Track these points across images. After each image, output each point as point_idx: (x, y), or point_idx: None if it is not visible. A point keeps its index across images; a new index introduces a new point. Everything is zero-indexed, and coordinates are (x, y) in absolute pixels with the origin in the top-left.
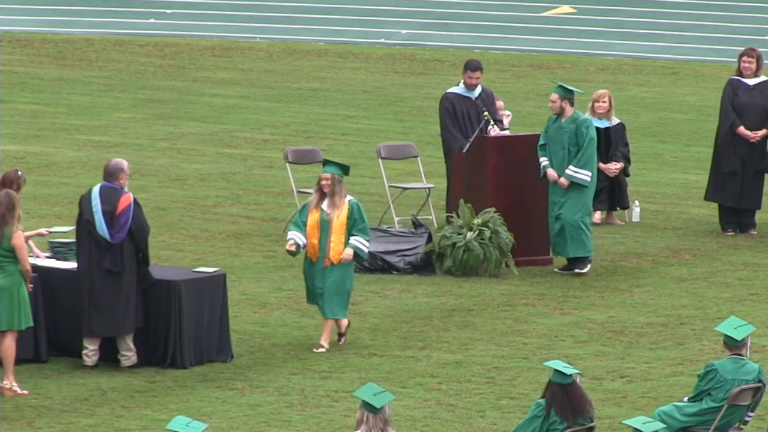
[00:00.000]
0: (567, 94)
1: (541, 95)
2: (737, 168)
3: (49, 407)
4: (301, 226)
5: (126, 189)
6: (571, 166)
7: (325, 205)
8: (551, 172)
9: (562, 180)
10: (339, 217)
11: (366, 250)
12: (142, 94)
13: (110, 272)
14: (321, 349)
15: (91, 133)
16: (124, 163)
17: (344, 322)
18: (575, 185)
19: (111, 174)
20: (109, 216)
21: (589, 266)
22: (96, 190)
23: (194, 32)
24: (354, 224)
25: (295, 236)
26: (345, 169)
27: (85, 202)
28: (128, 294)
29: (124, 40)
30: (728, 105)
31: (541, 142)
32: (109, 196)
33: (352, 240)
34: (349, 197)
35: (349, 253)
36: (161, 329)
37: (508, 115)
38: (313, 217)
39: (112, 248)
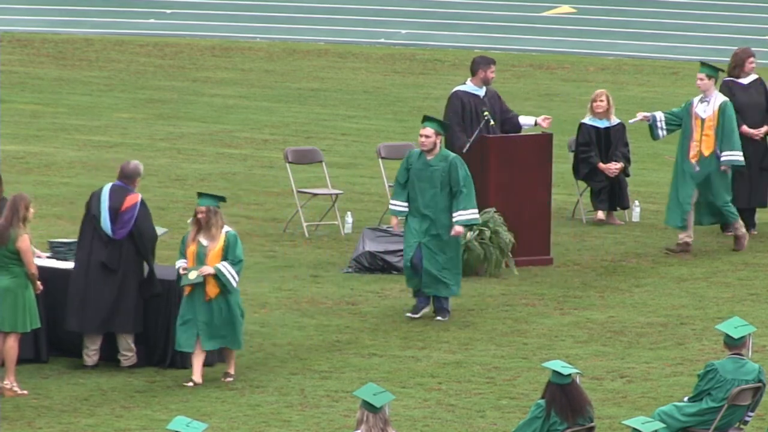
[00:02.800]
0: (442, 130)
1: (541, 95)
2: (743, 168)
3: (49, 407)
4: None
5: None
6: (460, 211)
7: (202, 236)
8: (395, 221)
9: (458, 228)
10: (215, 249)
11: (231, 279)
12: (142, 94)
13: (106, 267)
14: (190, 383)
15: (91, 133)
16: (141, 167)
17: (232, 360)
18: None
19: (128, 176)
20: (114, 212)
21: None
22: (107, 188)
23: (194, 32)
24: (227, 257)
25: (182, 263)
26: (220, 200)
27: (94, 198)
28: (123, 293)
29: (124, 40)
30: None
31: (400, 179)
32: (118, 194)
33: (220, 263)
34: (227, 228)
35: (206, 270)
36: (161, 329)
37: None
38: (191, 249)
39: (112, 244)
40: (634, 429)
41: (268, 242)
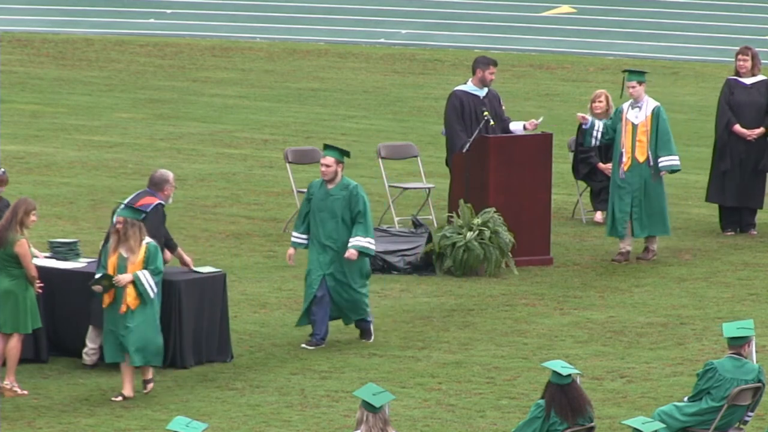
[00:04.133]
0: (342, 157)
1: (541, 95)
2: (731, 167)
3: (49, 407)
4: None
5: (170, 200)
6: (359, 237)
7: (122, 248)
8: (291, 252)
9: (352, 251)
10: (135, 261)
11: (149, 288)
12: (142, 94)
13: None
14: (119, 398)
15: (91, 133)
16: (169, 175)
17: (149, 369)
18: (360, 254)
19: (155, 183)
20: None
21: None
22: (135, 192)
23: (194, 32)
24: (147, 268)
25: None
26: (138, 213)
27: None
28: None
29: (124, 40)
30: (724, 104)
31: (302, 210)
32: (141, 195)
33: (140, 271)
34: (148, 240)
35: (125, 278)
36: (161, 329)
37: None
38: (111, 261)
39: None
40: (634, 429)
41: (268, 242)
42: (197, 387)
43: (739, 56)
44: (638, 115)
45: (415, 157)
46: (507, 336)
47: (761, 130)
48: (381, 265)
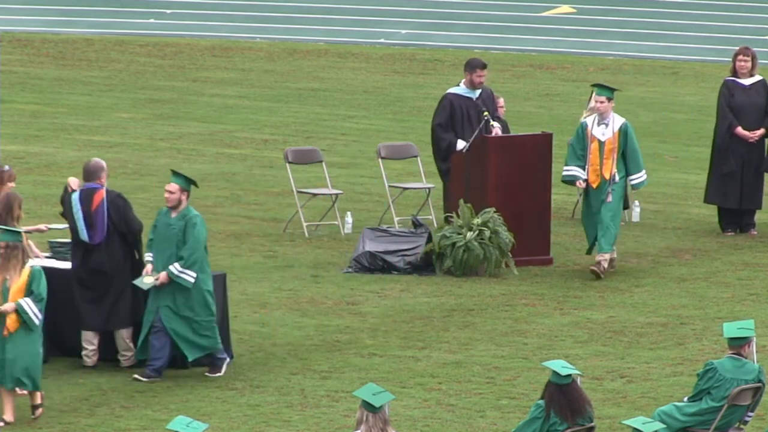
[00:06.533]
0: (189, 186)
1: (541, 95)
2: (736, 169)
3: (49, 407)
4: None
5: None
6: (176, 264)
7: (3, 272)
8: (149, 274)
9: (163, 275)
10: (16, 285)
11: (33, 316)
12: (142, 94)
13: (97, 271)
14: (1, 423)
15: (91, 133)
16: (102, 162)
17: (37, 393)
18: (178, 286)
19: (91, 174)
20: (88, 216)
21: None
22: (76, 194)
23: (194, 32)
24: (30, 292)
25: None
26: (16, 236)
27: (67, 205)
28: (119, 291)
29: (124, 40)
30: (725, 106)
31: (150, 237)
32: (88, 196)
33: (22, 299)
34: (31, 263)
35: (7, 308)
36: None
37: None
38: None
39: (97, 248)
40: (634, 429)
41: (268, 242)
42: (197, 387)
43: (740, 57)
44: (605, 131)
45: (415, 157)
46: (507, 336)
47: (762, 131)
48: (381, 265)
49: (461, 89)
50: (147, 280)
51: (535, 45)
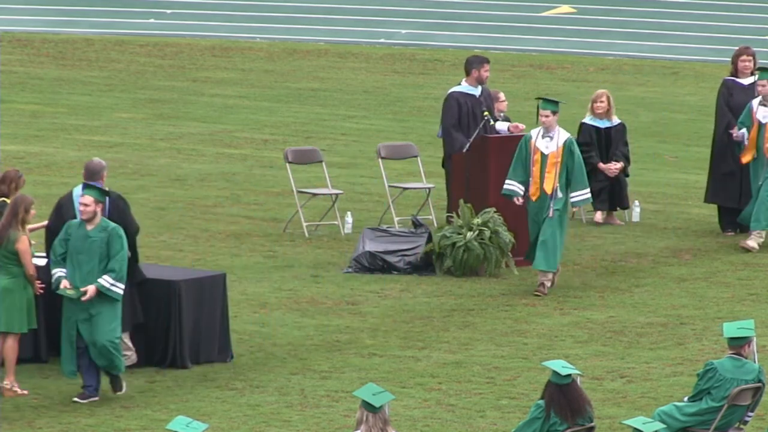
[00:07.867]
0: (103, 198)
1: (541, 95)
2: (735, 168)
3: (49, 407)
4: None
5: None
6: (106, 276)
7: None
8: (66, 283)
9: (91, 288)
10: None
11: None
12: (142, 94)
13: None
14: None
15: (91, 133)
16: (103, 162)
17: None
18: (107, 298)
19: (93, 173)
20: None
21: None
22: (77, 190)
23: (194, 32)
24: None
25: None
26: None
27: (66, 204)
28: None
29: (124, 40)
30: (723, 106)
31: (58, 251)
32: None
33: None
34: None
35: None
36: (161, 329)
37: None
38: None
39: None
40: (634, 429)
41: (268, 242)
42: (197, 387)
43: (743, 57)
44: (549, 145)
45: (415, 157)
46: (507, 336)
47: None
48: (381, 265)
49: (464, 87)
50: (71, 293)
51: (535, 45)
